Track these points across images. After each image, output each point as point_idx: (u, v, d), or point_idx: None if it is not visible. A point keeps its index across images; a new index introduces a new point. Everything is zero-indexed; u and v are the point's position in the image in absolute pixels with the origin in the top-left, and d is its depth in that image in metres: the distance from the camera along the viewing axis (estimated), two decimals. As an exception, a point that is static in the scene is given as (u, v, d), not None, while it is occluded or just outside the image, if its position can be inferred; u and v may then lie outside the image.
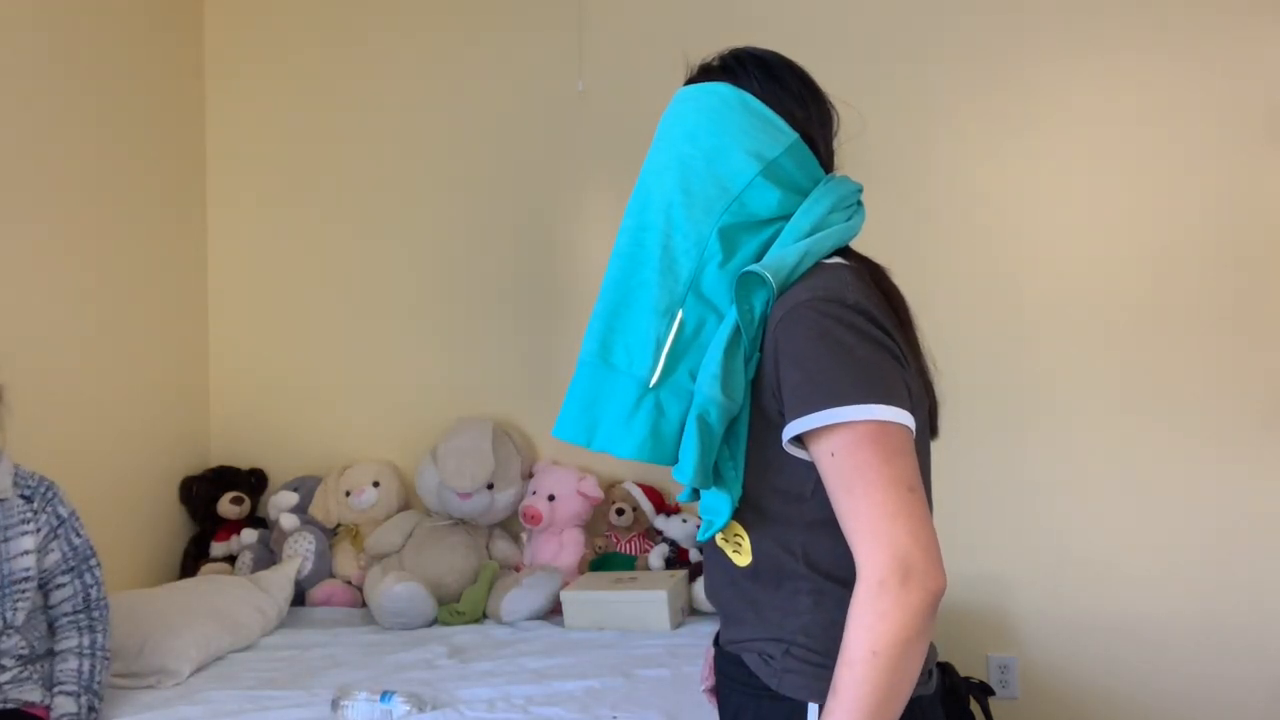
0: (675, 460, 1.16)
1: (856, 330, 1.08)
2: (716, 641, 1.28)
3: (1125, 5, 2.84)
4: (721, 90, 1.22)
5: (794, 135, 1.20)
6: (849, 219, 1.21)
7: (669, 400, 1.16)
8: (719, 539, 1.21)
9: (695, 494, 1.21)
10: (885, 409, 1.05)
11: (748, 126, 1.20)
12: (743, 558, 1.18)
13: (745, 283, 1.13)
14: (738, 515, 1.17)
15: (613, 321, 1.20)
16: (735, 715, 1.22)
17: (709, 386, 1.11)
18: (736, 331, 1.13)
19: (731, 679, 1.23)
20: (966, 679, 2.68)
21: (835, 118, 1.28)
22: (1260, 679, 2.75)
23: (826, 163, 1.25)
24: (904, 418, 1.06)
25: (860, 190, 1.25)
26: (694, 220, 1.18)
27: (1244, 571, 2.76)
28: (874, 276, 1.20)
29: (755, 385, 1.14)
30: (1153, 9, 2.82)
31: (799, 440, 1.10)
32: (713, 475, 1.14)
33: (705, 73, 1.27)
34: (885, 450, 1.04)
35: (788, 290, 1.12)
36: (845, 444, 1.05)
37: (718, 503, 1.16)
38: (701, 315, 1.17)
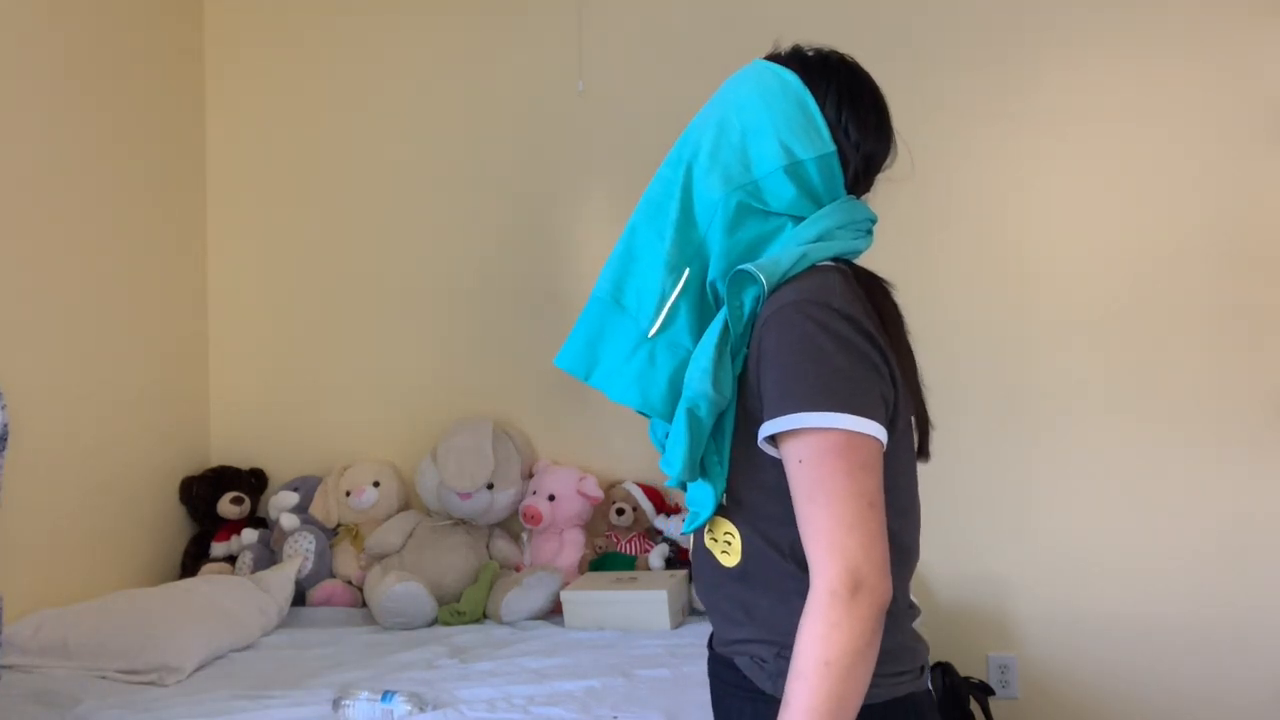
0: (657, 411, 1.19)
1: (838, 337, 1.08)
2: (710, 644, 1.28)
3: (1126, 6, 2.84)
4: (787, 77, 1.23)
5: (831, 148, 1.20)
6: (855, 239, 1.21)
7: (662, 354, 1.19)
8: (707, 540, 1.22)
9: (684, 484, 1.21)
10: (855, 419, 1.06)
11: (793, 121, 1.20)
12: (730, 558, 1.18)
13: (737, 280, 1.14)
14: (728, 512, 1.18)
15: (629, 264, 1.23)
16: (729, 719, 1.23)
17: (700, 381, 1.12)
18: (726, 328, 1.14)
19: (725, 682, 1.23)
20: (966, 679, 2.69)
21: (892, 155, 1.28)
22: (1261, 679, 2.75)
23: (855, 187, 1.25)
24: (874, 429, 1.07)
25: (874, 220, 1.25)
26: (711, 186, 1.20)
27: (1244, 571, 2.76)
28: (869, 288, 1.20)
29: (741, 382, 1.15)
30: (1154, 10, 2.83)
31: (774, 440, 1.11)
32: (699, 468, 1.16)
33: (793, 56, 1.26)
34: (850, 463, 1.05)
35: (778, 290, 1.13)
36: (812, 452, 1.06)
37: (702, 495, 1.17)
38: (702, 277, 1.20)
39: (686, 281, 1.19)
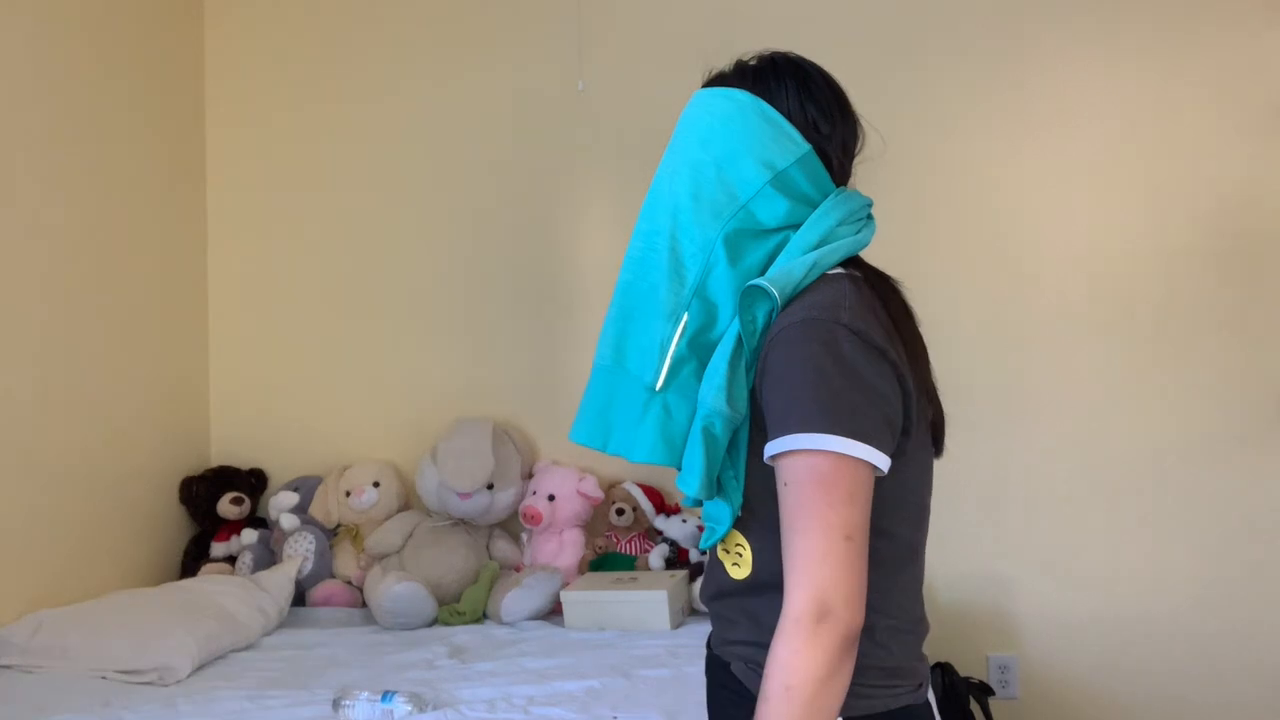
0: None
1: (841, 357, 1.07)
2: (709, 644, 1.28)
3: (1127, 6, 2.84)
4: (738, 96, 1.21)
5: (806, 147, 1.20)
6: (858, 232, 1.20)
7: (676, 403, 1.16)
8: (720, 550, 1.22)
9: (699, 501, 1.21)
10: (846, 442, 1.04)
11: (761, 135, 1.19)
12: (741, 570, 1.18)
13: (749, 295, 1.13)
14: (741, 524, 1.17)
15: (625, 326, 1.21)
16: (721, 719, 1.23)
17: (713, 398, 1.11)
18: (739, 343, 1.13)
19: (718, 683, 1.23)
20: (966, 679, 2.69)
21: (861, 137, 1.27)
22: (1260, 679, 2.75)
23: (839, 178, 1.24)
24: (866, 453, 1.05)
25: (870, 204, 1.25)
26: (701, 225, 1.18)
27: (1244, 571, 2.76)
28: (879, 289, 1.19)
29: (752, 396, 1.14)
30: (1155, 8, 2.83)
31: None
32: (715, 485, 1.15)
33: (739, 72, 1.25)
34: (833, 494, 1.04)
35: (790, 304, 1.12)
36: (798, 477, 1.05)
37: (719, 511, 1.17)
38: (706, 319, 1.17)
39: (686, 326, 1.17)
